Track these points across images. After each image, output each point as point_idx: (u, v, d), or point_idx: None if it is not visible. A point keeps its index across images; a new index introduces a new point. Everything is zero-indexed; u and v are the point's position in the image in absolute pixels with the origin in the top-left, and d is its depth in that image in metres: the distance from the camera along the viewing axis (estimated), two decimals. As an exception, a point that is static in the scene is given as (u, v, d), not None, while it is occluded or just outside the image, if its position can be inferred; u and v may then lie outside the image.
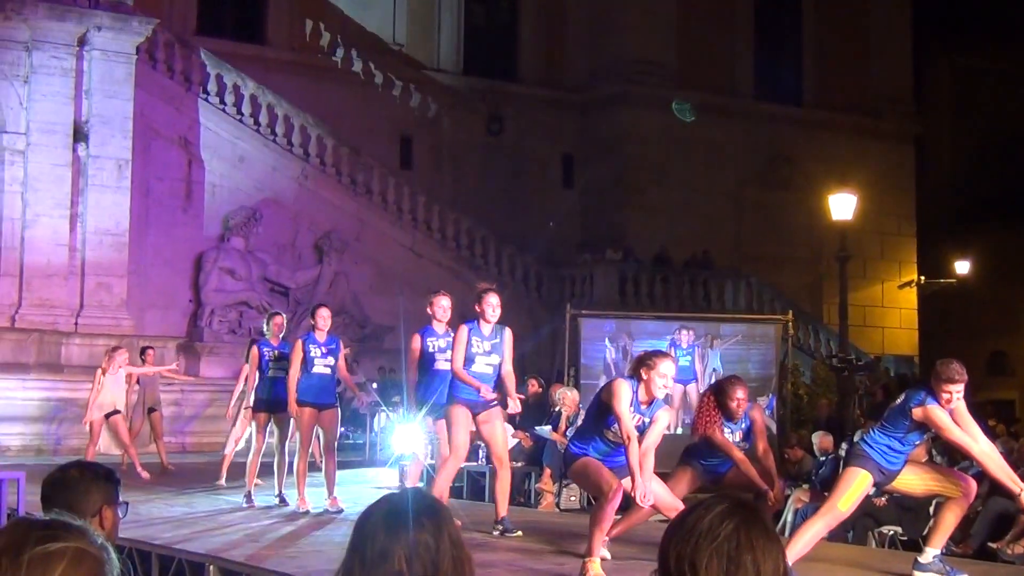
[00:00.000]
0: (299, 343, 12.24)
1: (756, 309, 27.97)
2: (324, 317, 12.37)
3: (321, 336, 12.28)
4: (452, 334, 10.72)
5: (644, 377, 8.65)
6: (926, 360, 35.50)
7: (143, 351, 19.18)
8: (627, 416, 8.48)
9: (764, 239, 33.49)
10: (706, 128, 33.10)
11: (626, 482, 8.72)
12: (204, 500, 13.63)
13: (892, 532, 12.67)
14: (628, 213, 32.50)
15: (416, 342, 11.18)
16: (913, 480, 8.53)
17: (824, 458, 14.55)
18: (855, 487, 8.31)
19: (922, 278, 35.93)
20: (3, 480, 11.78)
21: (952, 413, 8.12)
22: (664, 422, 8.78)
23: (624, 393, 8.53)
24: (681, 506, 8.39)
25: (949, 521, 8.56)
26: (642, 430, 8.68)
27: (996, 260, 38.26)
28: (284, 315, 14.03)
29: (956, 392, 8.06)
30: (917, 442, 8.48)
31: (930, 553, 8.51)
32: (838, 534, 12.57)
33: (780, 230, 33.70)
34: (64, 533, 2.29)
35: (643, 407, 8.70)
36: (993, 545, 11.69)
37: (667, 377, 8.67)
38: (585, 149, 33.32)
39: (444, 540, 2.54)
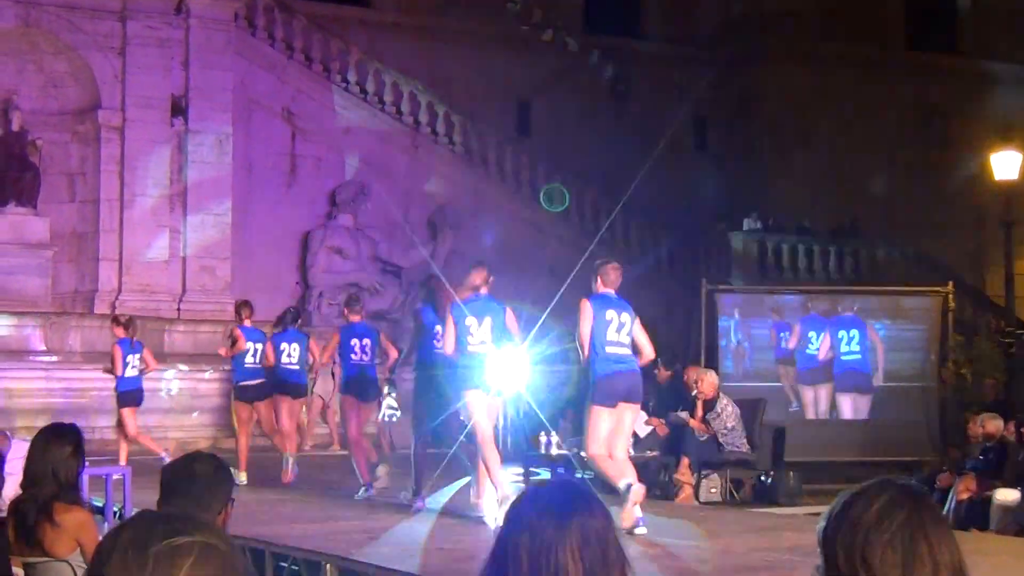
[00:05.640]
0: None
1: (911, 280, 27.49)
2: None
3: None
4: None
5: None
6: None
7: None
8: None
9: (919, 203, 32.87)
10: (853, 83, 32.56)
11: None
12: (317, 496, 13.84)
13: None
14: (768, 178, 32.15)
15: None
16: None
17: (989, 443, 14.27)
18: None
19: (1097, 243, 34.99)
20: (108, 476, 12.12)
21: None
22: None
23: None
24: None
25: None
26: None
27: None
28: None
29: (603, 279, 10.36)
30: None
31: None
32: (1010, 526, 12.36)
33: (937, 193, 33.04)
34: (190, 527, 2.34)
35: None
36: None
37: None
38: (719, 110, 33.02)
39: (612, 530, 2.58)
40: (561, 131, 31.47)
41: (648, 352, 10.56)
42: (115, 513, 11.76)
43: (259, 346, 15.42)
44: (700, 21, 33.50)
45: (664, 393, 16.55)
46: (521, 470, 15.90)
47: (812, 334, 18.82)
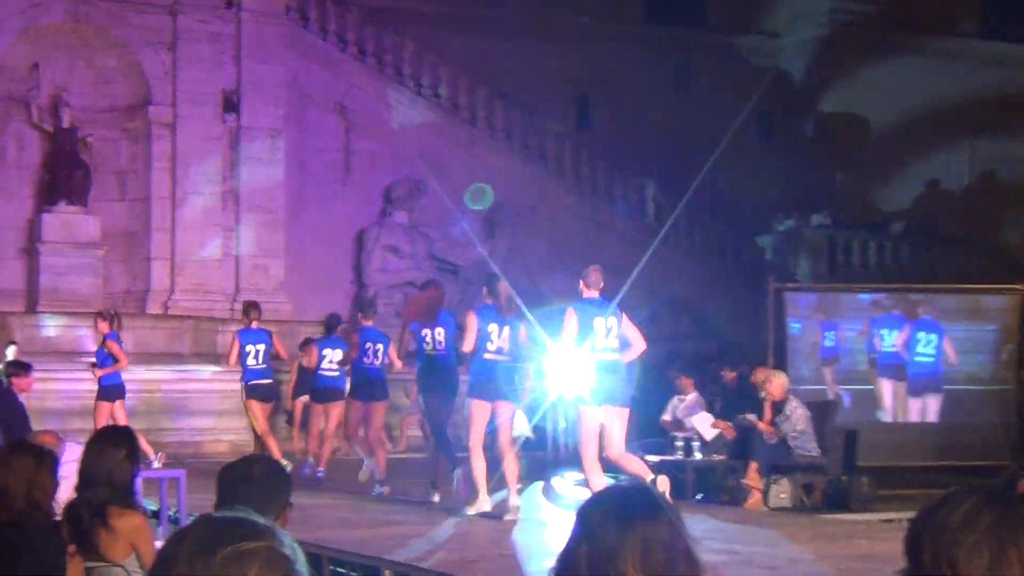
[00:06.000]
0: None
1: (988, 278, 27.21)
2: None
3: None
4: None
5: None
6: None
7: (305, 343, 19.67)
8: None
9: (997, 197, 32.53)
10: (925, 73, 32.26)
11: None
12: (374, 500, 13.88)
13: None
14: (836, 172, 31.96)
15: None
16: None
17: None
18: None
19: None
20: (163, 479, 12.22)
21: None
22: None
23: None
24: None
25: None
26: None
27: None
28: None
29: (585, 282, 11.08)
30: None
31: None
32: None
33: (1016, 186, 32.70)
34: (254, 532, 2.35)
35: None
36: None
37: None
38: (785, 102, 32.83)
39: (680, 538, 2.56)
40: (622, 124, 31.38)
41: (639, 345, 11.29)
42: (170, 517, 11.85)
43: (260, 347, 15.84)
44: (764, 11, 33.33)
45: (730, 396, 16.47)
46: (580, 476, 15.88)
47: (884, 331, 18.87)
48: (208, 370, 22.05)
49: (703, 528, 10.33)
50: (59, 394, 20.13)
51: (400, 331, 14.34)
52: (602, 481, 10.82)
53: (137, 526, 5.98)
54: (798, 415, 14.53)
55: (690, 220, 29.24)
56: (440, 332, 13.12)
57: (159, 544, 6.21)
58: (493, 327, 11.81)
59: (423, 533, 10.80)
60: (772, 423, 14.55)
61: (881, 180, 31.69)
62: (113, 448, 6.03)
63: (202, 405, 21.76)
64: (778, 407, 14.64)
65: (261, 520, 2.47)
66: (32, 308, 23.26)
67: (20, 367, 15.02)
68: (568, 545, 2.59)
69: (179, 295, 23.87)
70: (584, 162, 28.79)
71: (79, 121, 24.07)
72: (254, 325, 16.10)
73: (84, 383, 20.79)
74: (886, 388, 18.85)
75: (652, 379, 25.09)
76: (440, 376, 13.21)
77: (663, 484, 10.71)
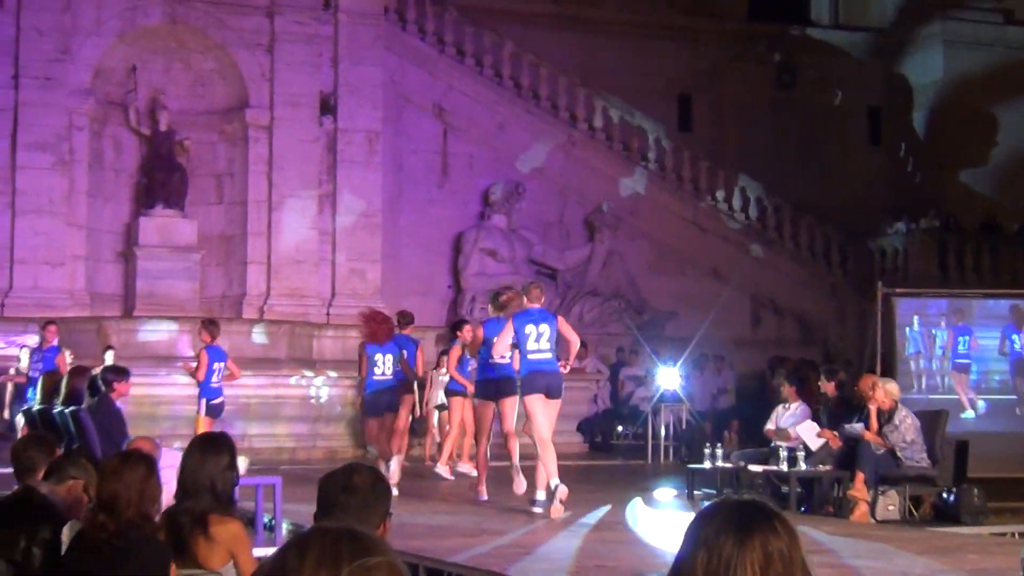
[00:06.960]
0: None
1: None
2: None
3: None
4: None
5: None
6: None
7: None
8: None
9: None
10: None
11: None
12: (470, 509, 13.93)
13: None
14: (947, 173, 31.54)
15: None
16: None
17: None
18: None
19: None
20: (259, 485, 12.38)
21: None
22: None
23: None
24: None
25: None
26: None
27: None
28: None
29: (527, 297, 13.13)
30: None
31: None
32: None
33: None
34: (372, 546, 2.43)
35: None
36: None
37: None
38: (894, 100, 32.49)
39: (798, 550, 2.60)
40: (724, 125, 31.27)
41: (575, 341, 13.29)
42: (266, 524, 12.01)
43: (222, 364, 16.48)
44: (873, 4, 33.02)
45: (834, 405, 16.31)
46: (675, 491, 15.86)
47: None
48: (305, 375, 22.28)
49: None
50: (155, 399, 20.43)
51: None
52: (553, 459, 12.61)
53: (236, 534, 6.06)
54: (907, 424, 14.38)
55: (795, 222, 29.04)
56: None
57: (257, 552, 6.32)
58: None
59: (521, 543, 10.83)
60: (880, 433, 14.41)
61: (995, 179, 31.24)
62: (215, 456, 6.11)
63: (298, 411, 21.96)
64: (886, 416, 14.49)
65: (370, 533, 2.54)
66: (129, 312, 23.68)
67: (118, 372, 15.27)
68: (682, 555, 2.62)
69: (275, 299, 24.13)
70: (685, 163, 28.72)
71: (176, 124, 24.42)
72: (216, 343, 16.52)
73: (180, 388, 21.14)
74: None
75: (754, 387, 25.06)
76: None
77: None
